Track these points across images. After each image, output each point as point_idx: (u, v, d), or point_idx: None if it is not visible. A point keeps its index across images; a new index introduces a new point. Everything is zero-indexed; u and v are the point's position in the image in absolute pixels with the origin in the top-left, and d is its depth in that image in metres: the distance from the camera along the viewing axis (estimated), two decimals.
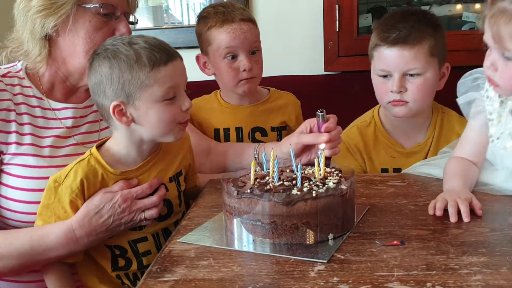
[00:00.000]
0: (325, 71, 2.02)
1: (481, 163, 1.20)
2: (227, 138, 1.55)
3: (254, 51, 1.51)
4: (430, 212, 1.02)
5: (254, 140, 1.55)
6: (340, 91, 1.92)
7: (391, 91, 1.36)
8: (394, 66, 1.35)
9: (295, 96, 1.65)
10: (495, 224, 0.97)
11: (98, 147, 1.14)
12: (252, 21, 1.51)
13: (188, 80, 1.89)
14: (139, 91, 1.06)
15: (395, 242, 0.90)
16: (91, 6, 1.19)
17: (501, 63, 1.04)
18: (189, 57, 2.03)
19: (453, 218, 0.97)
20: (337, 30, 1.99)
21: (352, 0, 1.97)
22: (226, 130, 1.54)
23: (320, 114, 1.20)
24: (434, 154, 1.40)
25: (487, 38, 1.06)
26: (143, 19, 2.16)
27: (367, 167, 1.46)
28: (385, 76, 1.37)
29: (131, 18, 1.30)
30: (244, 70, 1.47)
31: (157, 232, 1.19)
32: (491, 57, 1.07)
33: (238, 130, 1.54)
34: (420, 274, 0.78)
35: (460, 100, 1.24)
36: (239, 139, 1.54)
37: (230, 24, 1.46)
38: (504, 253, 0.84)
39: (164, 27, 2.14)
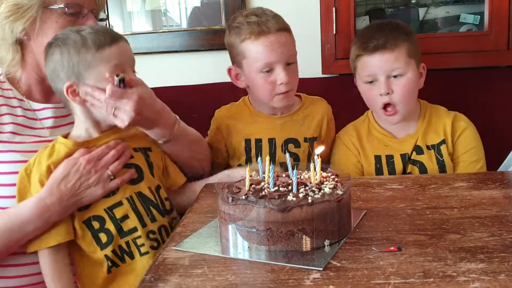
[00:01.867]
0: (322, 73, 2.00)
1: None
2: (258, 149, 1.49)
3: (290, 63, 1.44)
4: None
5: (286, 151, 1.46)
6: (338, 94, 1.90)
7: (380, 94, 1.45)
8: (378, 70, 1.44)
9: (326, 102, 1.61)
10: (494, 228, 0.95)
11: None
12: (288, 30, 1.44)
13: (185, 84, 1.91)
14: (87, 71, 1.15)
15: (392, 248, 0.89)
16: (57, 7, 1.22)
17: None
18: (187, 61, 2.05)
19: None
20: (334, 32, 1.97)
21: (349, 3, 1.95)
22: (258, 141, 1.49)
23: (117, 78, 1.15)
24: (423, 142, 1.50)
25: None
26: (141, 23, 2.15)
27: (361, 157, 1.54)
28: (371, 82, 1.47)
29: (101, 15, 1.32)
30: (281, 83, 1.41)
31: (131, 196, 1.21)
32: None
33: (271, 141, 1.49)
34: (417, 282, 0.77)
35: None
36: (272, 150, 1.49)
37: (267, 36, 1.38)
38: (503, 259, 0.82)
39: (161, 31, 2.13)
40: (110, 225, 1.18)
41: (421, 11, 2.28)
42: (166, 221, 1.26)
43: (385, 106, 1.46)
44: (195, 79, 1.89)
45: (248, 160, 1.50)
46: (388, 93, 1.43)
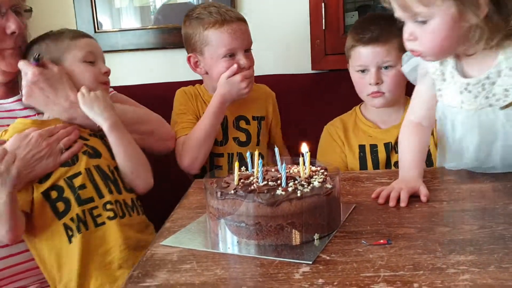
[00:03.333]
0: (312, 69, 2.00)
1: (431, 127, 1.30)
2: None
3: (248, 50, 1.60)
4: (373, 196, 1.09)
5: (238, 128, 1.66)
6: (328, 90, 1.91)
7: (370, 84, 1.52)
8: (370, 62, 1.51)
9: (270, 89, 1.76)
10: (483, 221, 0.95)
11: None
12: (245, 20, 1.60)
13: (178, 80, 1.89)
14: (63, 55, 1.31)
15: (381, 241, 0.89)
16: None
17: (418, 30, 1.07)
18: (175, 57, 2.03)
19: (391, 203, 1.05)
20: (323, 28, 1.97)
21: None
22: None
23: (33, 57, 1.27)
24: None
25: (397, 12, 1.09)
26: (129, 20, 2.13)
27: (345, 147, 1.60)
28: (363, 71, 1.53)
29: (24, 7, 1.32)
30: (243, 68, 1.55)
31: (89, 168, 1.26)
32: (407, 28, 1.10)
33: (224, 118, 1.62)
34: (407, 274, 0.76)
35: (405, 68, 1.30)
36: (224, 126, 1.63)
37: (230, 24, 1.54)
38: (492, 251, 0.82)
39: (149, 27, 2.11)
40: (68, 194, 1.21)
41: None
42: (122, 198, 1.28)
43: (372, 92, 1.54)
44: (185, 75, 1.88)
45: None
46: (378, 83, 1.51)
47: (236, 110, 1.63)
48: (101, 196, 1.24)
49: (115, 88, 1.70)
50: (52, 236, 1.21)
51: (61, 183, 1.23)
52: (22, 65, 1.24)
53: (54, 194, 1.21)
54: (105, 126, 1.28)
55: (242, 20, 1.58)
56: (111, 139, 1.30)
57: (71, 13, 2.05)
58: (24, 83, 1.25)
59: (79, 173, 1.24)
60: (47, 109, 1.28)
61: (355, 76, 1.57)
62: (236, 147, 1.65)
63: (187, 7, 1.77)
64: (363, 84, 1.54)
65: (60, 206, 1.21)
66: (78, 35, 1.34)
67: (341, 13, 1.96)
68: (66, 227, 1.21)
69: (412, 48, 1.12)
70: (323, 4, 1.95)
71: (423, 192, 1.08)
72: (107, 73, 1.36)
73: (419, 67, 1.26)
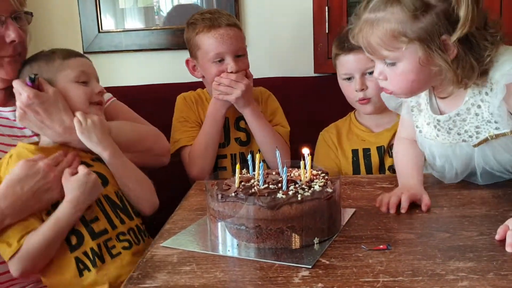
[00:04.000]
0: (314, 72, 2.00)
1: None
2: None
3: (240, 55, 1.60)
4: (377, 204, 1.05)
5: (239, 128, 1.68)
6: (330, 93, 1.90)
7: (356, 90, 1.53)
8: (353, 69, 1.52)
9: (265, 88, 1.78)
10: (483, 227, 0.95)
11: None
12: (237, 26, 1.61)
13: (181, 81, 1.90)
14: (55, 75, 1.25)
15: (381, 246, 0.89)
16: None
17: (388, 71, 1.06)
18: (178, 58, 2.03)
19: (391, 210, 1.04)
20: (326, 32, 1.97)
21: (342, 2, 1.95)
22: None
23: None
24: None
25: (367, 54, 1.08)
26: (133, 20, 2.13)
27: (339, 152, 1.62)
28: (349, 79, 1.55)
29: (25, 10, 1.28)
30: (231, 72, 1.56)
31: (100, 199, 1.21)
32: (377, 67, 1.09)
33: (226, 120, 1.65)
34: (405, 280, 0.77)
35: (383, 96, 1.30)
36: (226, 128, 1.66)
37: (217, 29, 1.56)
38: (492, 258, 0.82)
39: (153, 28, 2.12)
40: (80, 227, 1.16)
41: None
42: (135, 223, 1.25)
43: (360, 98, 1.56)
44: (187, 76, 1.88)
45: None
46: (363, 89, 1.52)
47: (236, 111, 1.64)
48: (114, 227, 1.20)
49: (117, 88, 1.70)
50: (60, 269, 1.16)
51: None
52: (17, 84, 1.19)
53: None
54: (105, 155, 1.23)
55: (233, 26, 1.59)
56: (112, 167, 1.26)
57: (75, 13, 2.05)
58: (18, 104, 1.20)
59: (89, 206, 1.18)
60: (41, 132, 1.24)
61: (342, 84, 1.60)
62: (238, 147, 1.67)
63: (195, 9, 1.81)
64: (350, 91, 1.56)
65: (73, 239, 1.15)
66: (70, 54, 1.30)
67: (344, 17, 1.96)
68: (78, 261, 1.15)
69: (383, 86, 1.11)
70: (326, 8, 1.96)
71: (425, 201, 1.06)
72: (101, 92, 1.30)
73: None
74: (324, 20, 1.97)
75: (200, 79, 1.70)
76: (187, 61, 1.67)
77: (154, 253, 0.92)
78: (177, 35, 2.06)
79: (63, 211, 1.13)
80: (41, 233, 1.11)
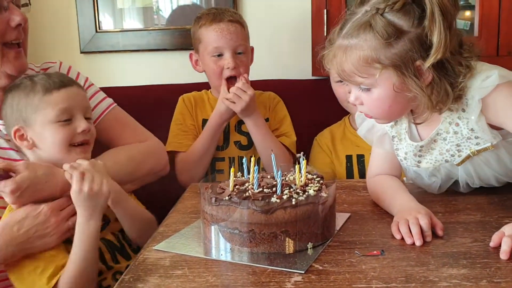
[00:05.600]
0: (312, 75, 2.00)
1: (399, 175, 1.21)
2: None
3: (240, 52, 1.59)
4: (397, 237, 0.94)
5: (240, 131, 1.66)
6: (328, 96, 1.90)
7: (349, 92, 1.47)
8: None
9: (275, 94, 1.75)
10: (477, 234, 0.95)
11: None
12: (240, 23, 1.60)
13: (179, 82, 1.89)
14: (34, 114, 1.15)
15: (375, 252, 0.88)
16: None
17: (364, 96, 1.04)
18: (176, 58, 2.03)
19: (418, 242, 0.91)
20: (325, 34, 1.97)
21: (341, 5, 1.95)
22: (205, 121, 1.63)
23: None
24: None
25: (340, 78, 1.07)
26: (132, 20, 2.13)
27: (333, 157, 1.62)
28: (341, 81, 1.55)
29: (23, 1, 1.26)
30: (228, 68, 1.56)
31: (103, 237, 1.18)
32: (352, 92, 1.07)
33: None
34: (398, 286, 0.76)
35: (361, 131, 1.23)
36: (226, 130, 1.65)
37: (218, 23, 1.57)
38: (485, 265, 0.82)
39: (151, 28, 2.11)
40: None
41: None
42: (132, 261, 1.21)
43: None
44: (185, 77, 1.88)
45: None
46: None
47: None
48: (109, 267, 1.18)
49: (114, 88, 1.70)
50: None
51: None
52: None
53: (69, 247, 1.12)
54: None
55: (235, 22, 1.59)
56: (116, 213, 1.21)
57: (73, 13, 2.05)
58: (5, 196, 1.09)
59: None
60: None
61: (335, 88, 1.61)
62: (237, 151, 1.65)
63: (197, 10, 1.83)
64: (341, 93, 1.58)
65: None
66: (53, 86, 1.16)
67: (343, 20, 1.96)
68: None
69: (362, 111, 1.09)
70: (325, 10, 1.95)
71: (439, 225, 0.96)
72: (85, 131, 1.17)
73: (375, 129, 1.20)
74: (323, 23, 1.96)
75: (199, 79, 1.70)
76: (190, 55, 1.69)
77: (147, 256, 0.91)
78: (175, 35, 2.06)
79: (82, 228, 1.08)
80: (72, 269, 1.07)
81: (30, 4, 1.29)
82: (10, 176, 1.08)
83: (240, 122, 1.65)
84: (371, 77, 0.99)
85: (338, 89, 1.60)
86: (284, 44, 2.05)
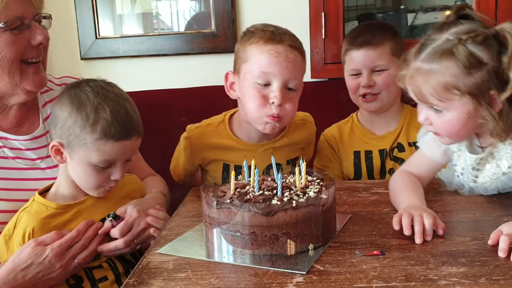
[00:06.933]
0: (311, 78, 2.01)
1: (424, 184, 1.22)
2: (238, 174, 1.29)
3: (291, 88, 1.29)
4: (396, 227, 0.96)
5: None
6: (327, 98, 1.92)
7: (362, 86, 1.54)
8: (362, 65, 1.54)
9: (312, 119, 1.54)
10: (476, 232, 0.96)
11: (42, 193, 1.17)
12: (301, 52, 1.31)
13: (175, 87, 1.90)
14: (79, 148, 1.11)
15: (375, 252, 0.90)
16: None
17: (434, 116, 1.09)
18: (176, 64, 2.05)
19: (418, 240, 0.93)
20: (323, 37, 1.98)
21: (338, 8, 1.96)
22: (238, 167, 1.28)
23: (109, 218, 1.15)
24: (405, 139, 1.57)
25: (412, 96, 1.10)
26: (132, 26, 2.15)
27: (340, 153, 1.62)
28: (356, 75, 1.56)
29: (43, 14, 1.24)
30: (273, 103, 1.26)
31: (112, 259, 1.17)
32: (422, 111, 1.11)
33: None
34: (399, 285, 0.77)
35: (422, 144, 1.26)
36: (248, 172, 1.35)
37: (276, 45, 1.26)
38: (484, 263, 0.83)
39: (150, 34, 2.13)
40: (87, 285, 1.13)
41: (410, 17, 2.30)
42: None
43: (364, 94, 1.56)
44: (185, 82, 1.89)
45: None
46: (371, 86, 1.53)
47: (268, 159, 1.19)
48: (121, 284, 1.10)
49: None
50: None
51: (80, 273, 1.12)
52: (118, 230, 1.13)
53: (71, 280, 1.12)
54: None
55: (296, 49, 1.28)
56: None
57: (72, 19, 2.06)
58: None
59: (99, 266, 1.15)
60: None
61: (348, 80, 1.60)
62: None
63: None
64: (355, 85, 1.56)
65: (70, 280, 1.11)
66: (111, 136, 1.09)
67: (341, 22, 1.98)
68: None
69: (430, 130, 1.14)
70: (323, 13, 1.97)
71: (441, 225, 0.97)
72: (117, 180, 1.16)
73: (438, 139, 1.19)
74: (321, 26, 1.98)
75: (204, 83, 1.66)
76: (226, 75, 1.37)
77: (150, 260, 0.92)
78: (175, 41, 2.08)
79: None
80: None
81: (51, 18, 1.26)
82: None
83: (269, 167, 1.28)
84: (447, 102, 1.04)
85: (351, 81, 1.57)
86: None
